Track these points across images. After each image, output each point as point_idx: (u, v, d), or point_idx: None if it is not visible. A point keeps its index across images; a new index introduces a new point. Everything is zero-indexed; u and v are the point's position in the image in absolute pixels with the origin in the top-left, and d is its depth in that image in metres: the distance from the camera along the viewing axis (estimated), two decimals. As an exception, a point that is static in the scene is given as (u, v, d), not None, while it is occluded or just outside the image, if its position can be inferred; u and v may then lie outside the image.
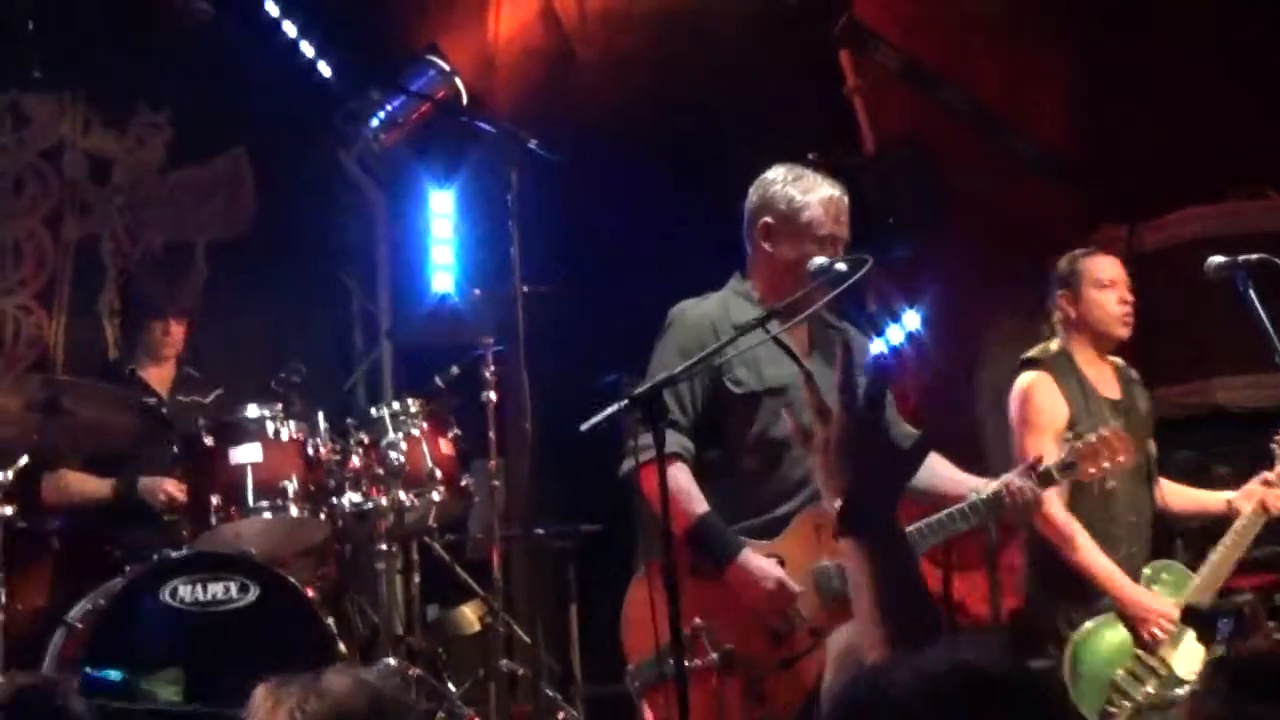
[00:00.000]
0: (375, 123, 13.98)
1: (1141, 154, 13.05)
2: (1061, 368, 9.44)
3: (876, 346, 11.21)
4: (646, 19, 13.19)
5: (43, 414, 9.98)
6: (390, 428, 10.55)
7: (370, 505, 10.45)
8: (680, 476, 7.97)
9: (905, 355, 12.88)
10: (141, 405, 10.75)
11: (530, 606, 11.03)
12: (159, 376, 11.22)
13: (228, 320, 12.95)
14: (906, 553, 4.23)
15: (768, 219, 8.22)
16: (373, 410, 11.05)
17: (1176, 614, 8.84)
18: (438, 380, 11.50)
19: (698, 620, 7.67)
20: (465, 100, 12.93)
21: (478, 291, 12.45)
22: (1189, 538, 10.15)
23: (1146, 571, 9.15)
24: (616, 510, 9.88)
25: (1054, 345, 9.61)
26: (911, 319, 12.71)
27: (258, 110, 13.70)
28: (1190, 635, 8.88)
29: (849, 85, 13.54)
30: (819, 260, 7.92)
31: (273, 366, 11.38)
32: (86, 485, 10.75)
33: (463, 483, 10.71)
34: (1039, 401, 9.21)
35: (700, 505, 7.96)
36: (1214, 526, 9.54)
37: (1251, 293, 8.67)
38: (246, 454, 10.17)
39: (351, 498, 10.43)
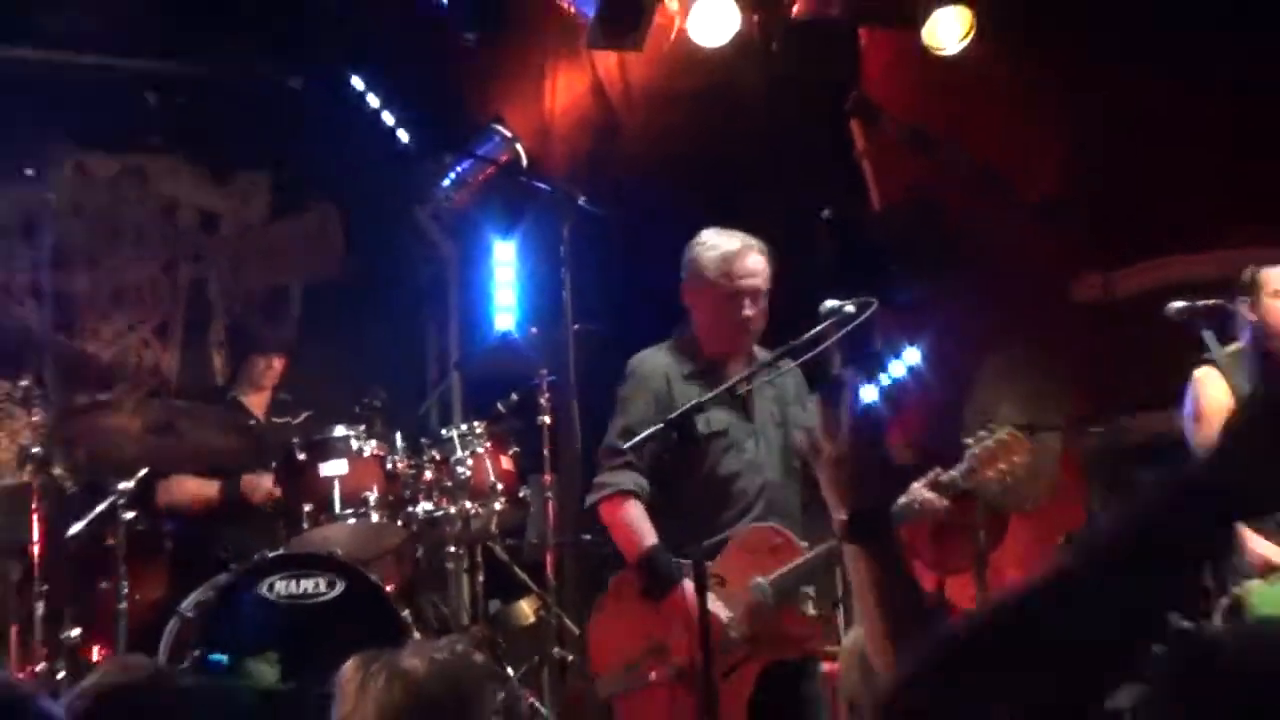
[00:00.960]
0: (447, 182, 13.92)
1: (1121, 206, 12.85)
2: (1233, 365, 9.18)
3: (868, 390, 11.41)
4: (683, 94, 12.95)
5: (158, 434, 10.04)
6: (459, 446, 10.67)
7: (440, 513, 10.55)
8: (633, 511, 8.30)
9: (906, 387, 12.69)
10: (242, 427, 11.00)
11: (579, 602, 10.84)
12: (257, 402, 11.44)
13: (319, 352, 12.94)
14: (902, 558, 4.18)
15: (687, 281, 8.59)
16: (443, 431, 11.20)
17: None
18: (500, 406, 11.47)
19: (646, 640, 8.18)
20: (525, 163, 12.86)
21: (534, 330, 12.38)
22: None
23: None
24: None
25: (1233, 347, 9.37)
26: (912, 355, 12.53)
27: (346, 171, 13.68)
28: None
29: (858, 149, 13.41)
30: (830, 303, 8.01)
31: (357, 393, 11.37)
32: (196, 487, 10.88)
33: (521, 494, 10.85)
34: (1206, 393, 9.00)
35: (649, 538, 8.20)
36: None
37: (1205, 333, 8.98)
38: (334, 468, 10.29)
39: (424, 507, 10.53)
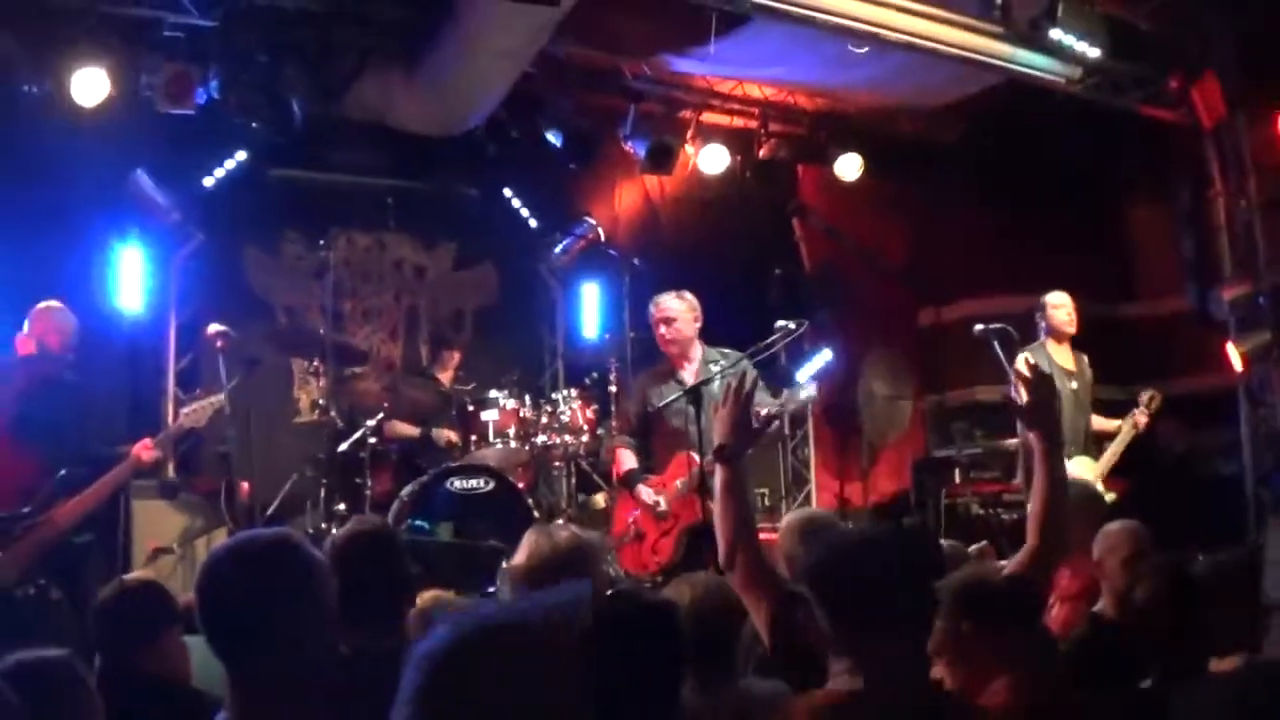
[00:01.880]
0: (558, 250, 14.36)
1: (940, 270, 13.93)
2: (1035, 353, 9.96)
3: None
4: (695, 199, 14.03)
5: (389, 392, 11.19)
6: (561, 403, 11.15)
7: (550, 443, 11.06)
8: (622, 454, 9.77)
9: (823, 373, 12.67)
10: (435, 391, 11.52)
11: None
12: (445, 378, 11.77)
13: (481, 348, 13.51)
14: (744, 480, 4.99)
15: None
16: (553, 395, 11.66)
17: None
18: (586, 380, 12.12)
19: (630, 518, 9.53)
20: (603, 240, 13.32)
21: (607, 336, 13.16)
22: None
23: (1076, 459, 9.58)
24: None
25: (1034, 344, 10.21)
26: (825, 354, 12.30)
27: (499, 243, 14.24)
28: None
29: (796, 234, 14.57)
30: (780, 322, 9.03)
31: (503, 371, 12.12)
32: (406, 429, 11.30)
33: (598, 433, 11.17)
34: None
35: (629, 464, 9.67)
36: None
37: (995, 343, 9.93)
38: (489, 415, 11.00)
39: (541, 439, 11.03)
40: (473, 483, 10.19)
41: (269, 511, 10.93)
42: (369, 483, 10.56)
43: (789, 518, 6.89)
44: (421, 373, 12.36)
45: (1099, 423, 10.25)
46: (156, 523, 10.32)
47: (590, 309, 14.71)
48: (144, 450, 8.53)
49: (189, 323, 12.33)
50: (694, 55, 11.86)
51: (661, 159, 12.95)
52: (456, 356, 12.08)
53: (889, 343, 13.88)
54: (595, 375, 12.21)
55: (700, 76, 13.03)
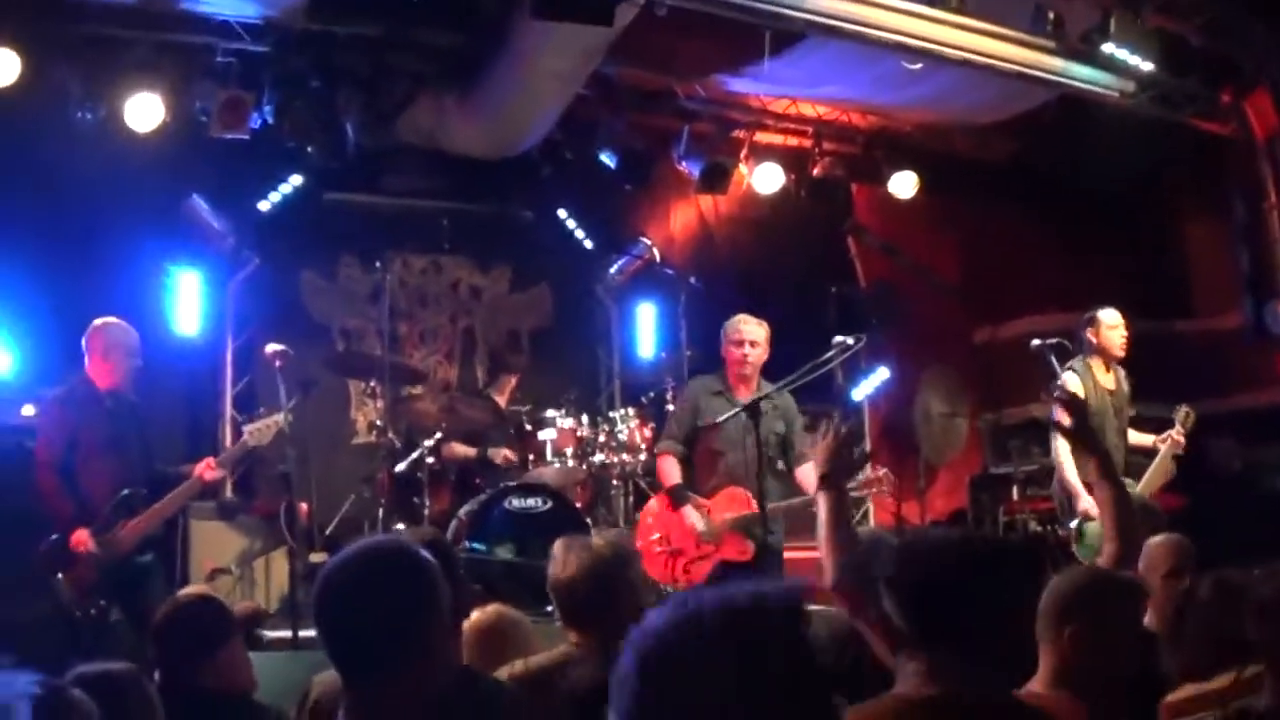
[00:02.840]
0: (613, 270, 14.45)
1: (997, 286, 13.91)
2: (1080, 369, 9.71)
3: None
4: (750, 219, 14.12)
5: (446, 413, 10.97)
6: (619, 422, 11.26)
7: (608, 462, 11.17)
8: (669, 462, 9.49)
9: (879, 390, 13.52)
10: (492, 411, 11.37)
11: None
12: (502, 400, 11.59)
13: (538, 368, 13.25)
14: (849, 506, 4.93)
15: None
16: (610, 413, 11.78)
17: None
18: (643, 399, 12.17)
19: (664, 531, 9.32)
20: (658, 260, 13.09)
21: (663, 354, 13.15)
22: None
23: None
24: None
25: (1076, 360, 9.86)
26: (882, 372, 13.36)
27: (554, 264, 14.31)
28: None
29: (851, 253, 14.50)
30: (838, 338, 8.72)
31: (560, 391, 12.08)
32: (463, 450, 11.12)
33: (655, 451, 10.33)
34: (1069, 384, 9.34)
35: (675, 478, 9.40)
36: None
37: (1051, 358, 9.78)
38: (547, 434, 11.04)
39: (599, 457, 11.13)
40: (531, 501, 10.15)
41: (327, 532, 10.96)
42: (427, 502, 10.58)
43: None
44: (478, 394, 12.25)
45: (1135, 438, 10.06)
46: (214, 544, 10.44)
47: (646, 329, 14.67)
48: (207, 469, 8.61)
49: (245, 346, 12.53)
50: (747, 75, 11.86)
51: (716, 179, 12.95)
52: (514, 380, 12.00)
53: (945, 360, 13.70)
54: (652, 394, 12.21)
55: (754, 96, 13.03)
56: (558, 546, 5.08)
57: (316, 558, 9.76)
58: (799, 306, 12.51)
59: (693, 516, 9.29)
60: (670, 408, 11.24)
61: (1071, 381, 9.52)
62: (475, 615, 5.35)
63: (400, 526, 10.10)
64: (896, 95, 12.12)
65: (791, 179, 13.43)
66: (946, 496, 13.90)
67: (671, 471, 9.53)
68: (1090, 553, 8.67)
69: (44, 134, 10.21)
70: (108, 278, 10.87)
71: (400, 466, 10.79)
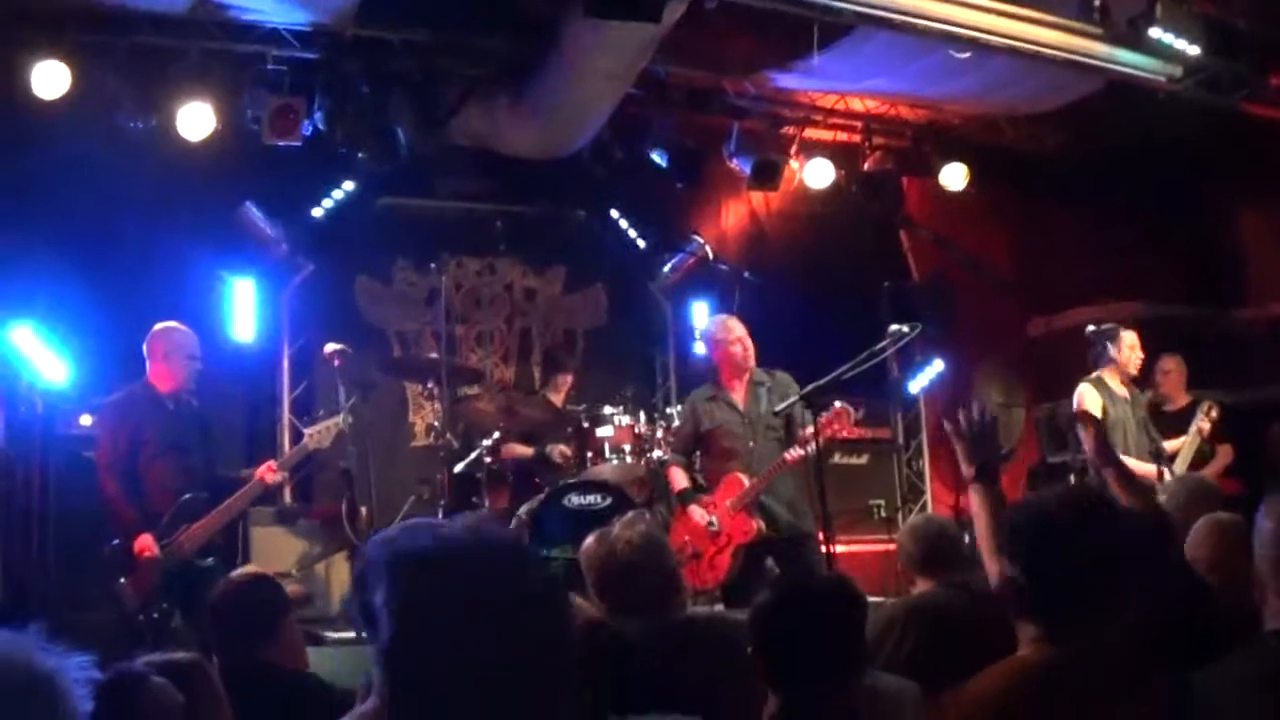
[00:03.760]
0: (666, 269, 14.47)
1: (1050, 278, 13.91)
2: (1097, 383, 9.97)
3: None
4: (801, 215, 14.04)
5: (504, 413, 11.07)
6: (675, 418, 11.10)
7: (665, 458, 10.75)
8: (675, 472, 9.94)
9: (934, 385, 13.55)
10: (549, 410, 11.56)
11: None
12: (557, 399, 11.78)
13: (594, 367, 13.63)
14: (1003, 495, 4.78)
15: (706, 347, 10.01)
16: (668, 410, 11.86)
17: None
18: None
19: (685, 538, 9.49)
20: (711, 257, 13.31)
21: None
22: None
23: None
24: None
25: (1096, 373, 10.09)
26: (937, 365, 13.40)
27: (608, 264, 14.36)
28: None
29: (904, 246, 14.37)
30: (894, 327, 8.96)
31: (617, 388, 12.08)
32: (521, 450, 11.32)
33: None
34: (1083, 398, 9.75)
35: (681, 484, 9.86)
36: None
37: (1107, 344, 9.93)
38: (605, 431, 11.07)
39: (656, 453, 11.03)
40: (590, 499, 10.28)
41: (386, 534, 10.94)
42: (486, 502, 10.68)
43: (909, 521, 7.36)
44: (534, 393, 12.38)
45: (1171, 445, 10.13)
46: (273, 548, 10.53)
47: (699, 327, 14.26)
48: (268, 472, 8.70)
49: (302, 352, 12.63)
50: (796, 70, 11.78)
51: (767, 175, 12.97)
52: (569, 380, 12.10)
53: (999, 352, 13.87)
54: (708, 391, 12.13)
55: (802, 92, 13.00)
56: (589, 541, 5.16)
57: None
58: (852, 301, 12.51)
59: (697, 513, 9.57)
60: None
61: (1089, 395, 9.80)
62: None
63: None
64: (944, 87, 12.07)
65: (842, 174, 13.41)
66: (1005, 488, 13.44)
67: (677, 479, 9.91)
68: None
69: (96, 145, 10.15)
70: (162, 287, 10.94)
71: (459, 467, 10.86)
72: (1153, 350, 10.73)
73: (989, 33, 10.31)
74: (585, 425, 11.25)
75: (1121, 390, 10.09)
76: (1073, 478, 12.06)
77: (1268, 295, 13.80)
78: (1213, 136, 12.27)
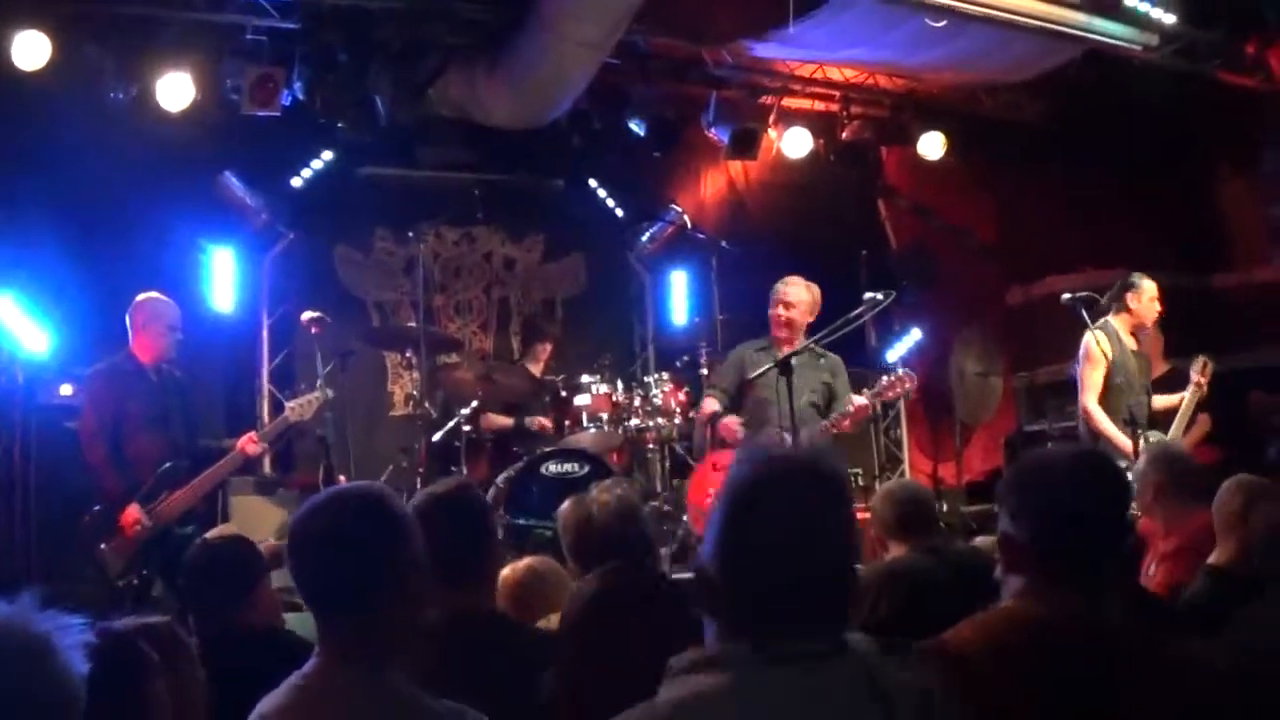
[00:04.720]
0: (645, 238, 14.47)
1: (1030, 246, 13.94)
2: (1106, 330, 9.76)
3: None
4: (780, 184, 14.10)
5: (482, 381, 10.99)
6: (653, 387, 11.25)
7: (643, 426, 11.16)
8: (709, 400, 10.22)
9: (913, 354, 13.42)
10: (528, 379, 11.62)
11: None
12: (536, 368, 11.89)
13: (573, 336, 13.48)
14: None
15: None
16: (645, 378, 11.75)
17: None
18: (677, 364, 12.16)
19: (710, 491, 9.43)
20: (689, 226, 13.41)
21: (696, 319, 13.09)
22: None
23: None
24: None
25: (1106, 319, 9.91)
26: (915, 334, 13.51)
27: (587, 233, 14.32)
28: None
29: (882, 215, 14.51)
30: (869, 295, 9.36)
31: (595, 357, 12.17)
32: (500, 420, 11.44)
33: (690, 415, 11.21)
34: (1093, 345, 9.59)
35: (715, 408, 10.08)
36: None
37: (1082, 311, 9.64)
38: (583, 400, 11.16)
39: (634, 422, 11.15)
40: (568, 467, 10.30)
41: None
42: (464, 470, 10.57)
43: (884, 486, 7.63)
44: (512, 363, 12.44)
45: (1161, 402, 10.07)
46: (253, 518, 10.41)
47: (679, 296, 14.75)
48: (249, 443, 8.76)
49: (281, 321, 12.68)
50: (774, 40, 11.77)
51: (745, 144, 13.00)
52: (549, 348, 12.18)
53: (978, 321, 13.85)
54: (685, 359, 12.26)
55: (780, 61, 12.98)
56: (565, 506, 5.11)
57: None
58: (831, 270, 12.44)
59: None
60: (704, 372, 11.59)
61: (1100, 340, 9.64)
62: (507, 570, 5.42)
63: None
64: (922, 56, 12.04)
65: (820, 143, 13.43)
66: (983, 456, 13.95)
67: (711, 405, 10.14)
68: None
69: (76, 115, 10.21)
70: (142, 257, 10.99)
71: (437, 436, 10.89)
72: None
73: (965, 1, 10.35)
74: (563, 394, 11.36)
75: (1130, 340, 10.01)
76: (1051, 447, 12.23)
77: (1248, 262, 13.91)
78: (1192, 104, 12.43)
